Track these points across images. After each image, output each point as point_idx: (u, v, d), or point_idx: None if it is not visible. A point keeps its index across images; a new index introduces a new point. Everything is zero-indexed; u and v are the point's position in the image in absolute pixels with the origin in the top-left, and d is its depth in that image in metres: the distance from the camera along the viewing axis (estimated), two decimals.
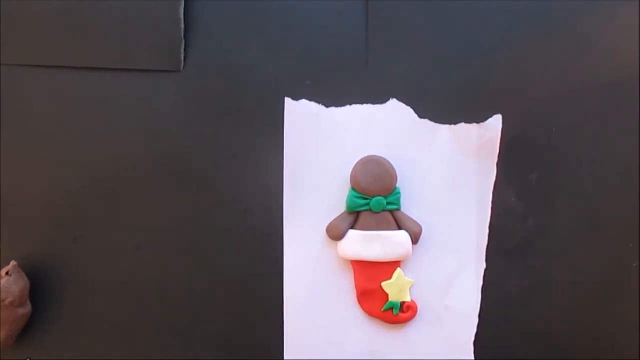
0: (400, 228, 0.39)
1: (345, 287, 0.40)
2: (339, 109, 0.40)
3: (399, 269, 0.40)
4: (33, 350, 0.40)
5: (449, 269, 0.40)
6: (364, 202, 0.39)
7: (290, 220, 0.40)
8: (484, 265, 0.40)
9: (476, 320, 0.40)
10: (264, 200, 0.40)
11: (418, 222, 0.39)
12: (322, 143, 0.40)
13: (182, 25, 0.39)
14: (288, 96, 0.40)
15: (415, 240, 0.39)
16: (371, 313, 0.40)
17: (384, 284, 0.39)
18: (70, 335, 0.40)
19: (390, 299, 0.39)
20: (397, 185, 0.39)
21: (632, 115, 0.40)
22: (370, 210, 0.39)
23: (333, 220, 0.40)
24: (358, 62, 0.40)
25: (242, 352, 0.41)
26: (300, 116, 0.40)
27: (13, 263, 0.38)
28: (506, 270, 0.40)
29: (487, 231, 0.40)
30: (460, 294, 0.40)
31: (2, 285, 0.37)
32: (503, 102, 0.40)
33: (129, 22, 0.39)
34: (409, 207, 0.40)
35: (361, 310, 0.40)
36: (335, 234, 0.39)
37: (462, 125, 0.40)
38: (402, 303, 0.40)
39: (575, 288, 0.41)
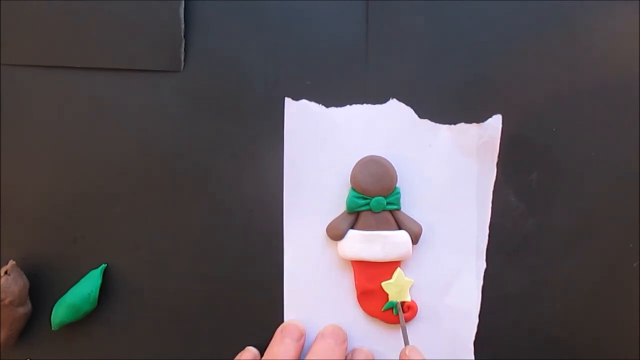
0: (400, 228, 0.39)
1: (345, 287, 0.40)
2: (339, 109, 0.40)
3: (399, 269, 0.40)
4: (33, 350, 0.40)
5: (449, 268, 0.40)
6: (364, 202, 0.39)
7: (290, 220, 0.40)
8: (484, 265, 0.40)
9: (476, 320, 0.40)
10: (264, 200, 0.40)
11: (418, 222, 0.39)
12: (322, 143, 0.40)
13: (182, 25, 0.39)
14: (288, 96, 0.40)
15: (415, 240, 0.39)
16: (371, 313, 0.40)
17: (384, 284, 0.39)
18: (70, 335, 0.40)
19: (390, 299, 0.39)
20: (397, 185, 0.39)
21: (632, 115, 0.40)
22: (370, 210, 0.39)
23: (333, 220, 0.40)
24: (358, 62, 0.40)
25: None
26: (300, 116, 0.40)
27: (11, 262, 0.38)
28: (506, 270, 0.40)
29: (487, 231, 0.40)
30: (460, 293, 0.40)
31: (1, 284, 0.37)
32: (503, 102, 0.40)
33: (129, 22, 0.39)
34: (409, 207, 0.40)
35: (361, 310, 0.40)
36: (335, 234, 0.39)
37: (462, 125, 0.40)
38: (402, 303, 0.40)
39: (575, 288, 0.41)
